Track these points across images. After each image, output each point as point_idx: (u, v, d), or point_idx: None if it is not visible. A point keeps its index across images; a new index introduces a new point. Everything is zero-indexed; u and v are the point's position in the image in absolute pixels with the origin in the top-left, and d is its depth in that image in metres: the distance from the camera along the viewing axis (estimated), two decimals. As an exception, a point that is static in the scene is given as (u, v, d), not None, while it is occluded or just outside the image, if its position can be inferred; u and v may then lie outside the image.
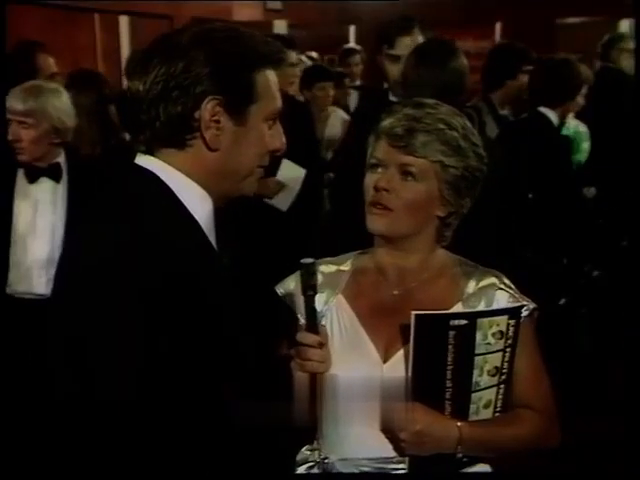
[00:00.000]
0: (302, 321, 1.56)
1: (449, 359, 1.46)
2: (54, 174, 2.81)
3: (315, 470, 1.61)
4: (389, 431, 1.52)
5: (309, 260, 1.48)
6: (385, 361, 1.57)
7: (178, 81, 1.25)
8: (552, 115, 3.72)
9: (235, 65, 1.27)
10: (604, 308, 4.09)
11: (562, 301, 3.67)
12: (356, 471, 1.57)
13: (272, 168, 3.69)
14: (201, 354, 1.21)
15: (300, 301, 1.55)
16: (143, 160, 1.31)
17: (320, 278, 1.60)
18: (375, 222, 1.58)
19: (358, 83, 6.19)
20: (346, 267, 1.70)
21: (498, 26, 7.92)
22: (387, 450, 1.54)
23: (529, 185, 3.51)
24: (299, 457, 1.67)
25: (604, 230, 4.07)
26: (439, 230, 1.63)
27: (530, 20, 7.31)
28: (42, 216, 2.80)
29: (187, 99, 1.25)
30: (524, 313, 1.56)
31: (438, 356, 1.46)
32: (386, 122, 1.58)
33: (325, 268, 1.69)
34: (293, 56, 3.99)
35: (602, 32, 5.44)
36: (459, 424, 1.50)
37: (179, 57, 1.25)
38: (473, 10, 7.66)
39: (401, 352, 1.54)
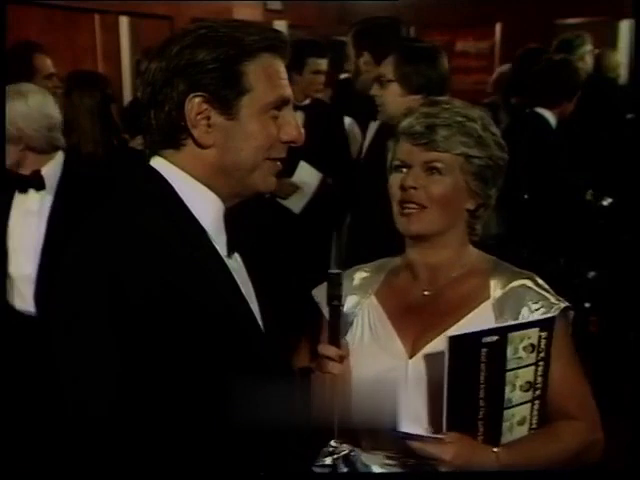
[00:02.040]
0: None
1: (482, 378, 1.43)
2: (35, 183, 2.65)
3: (340, 463, 1.55)
4: (426, 461, 1.44)
5: (336, 271, 1.47)
6: (411, 356, 1.57)
7: (161, 83, 1.27)
8: (549, 115, 3.72)
9: (214, 59, 1.26)
10: (603, 308, 4.09)
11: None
12: (379, 466, 1.54)
13: (289, 169, 3.67)
14: (191, 354, 1.21)
15: (326, 311, 1.52)
16: (153, 161, 1.33)
17: (354, 282, 1.65)
18: (409, 222, 1.58)
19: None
20: (380, 271, 1.72)
21: (498, 27, 7.92)
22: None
23: (526, 185, 3.51)
24: (325, 449, 1.59)
25: (603, 230, 4.07)
26: (470, 224, 1.64)
27: (530, 20, 7.33)
28: (29, 228, 2.65)
29: (171, 100, 1.27)
30: (554, 312, 1.53)
31: (471, 376, 1.43)
32: (405, 122, 1.60)
33: (359, 274, 1.71)
34: (323, 64, 3.92)
35: (602, 32, 5.44)
36: (496, 451, 1.45)
37: (162, 59, 1.27)
38: (473, 11, 7.66)
39: (427, 348, 1.55)
